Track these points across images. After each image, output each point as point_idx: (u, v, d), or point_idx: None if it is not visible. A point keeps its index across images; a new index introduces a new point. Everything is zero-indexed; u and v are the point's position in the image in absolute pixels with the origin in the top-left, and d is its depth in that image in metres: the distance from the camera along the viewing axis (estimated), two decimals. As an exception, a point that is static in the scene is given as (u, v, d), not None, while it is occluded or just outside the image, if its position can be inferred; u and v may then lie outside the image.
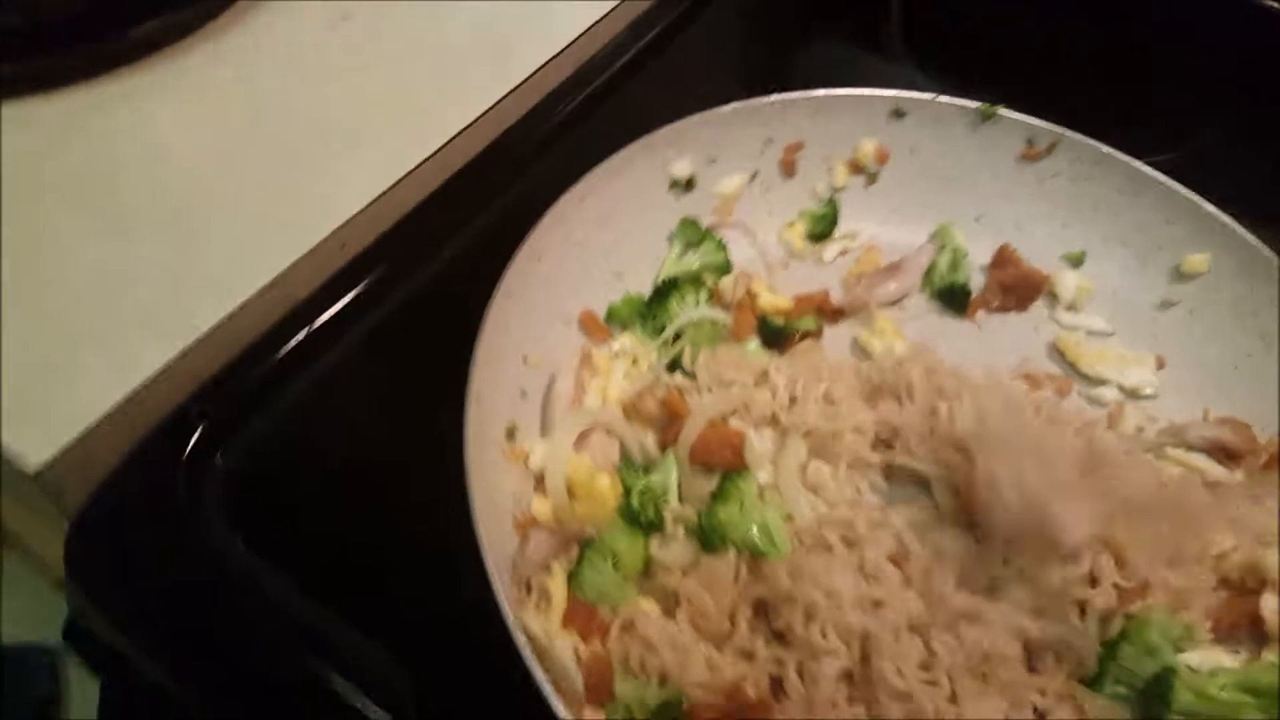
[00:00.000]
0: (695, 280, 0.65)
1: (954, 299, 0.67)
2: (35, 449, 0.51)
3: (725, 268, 0.66)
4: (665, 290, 0.64)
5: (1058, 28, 0.81)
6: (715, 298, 0.66)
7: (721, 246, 0.67)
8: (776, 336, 0.63)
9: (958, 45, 0.81)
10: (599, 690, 0.48)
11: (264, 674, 0.50)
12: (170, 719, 0.52)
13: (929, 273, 0.68)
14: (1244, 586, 0.57)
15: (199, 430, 0.54)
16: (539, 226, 0.60)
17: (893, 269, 0.68)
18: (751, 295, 0.64)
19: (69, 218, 0.60)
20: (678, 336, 0.63)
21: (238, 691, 0.50)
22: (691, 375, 0.61)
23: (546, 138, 0.69)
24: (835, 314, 0.66)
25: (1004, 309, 0.68)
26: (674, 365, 0.62)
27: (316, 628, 0.49)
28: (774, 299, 0.65)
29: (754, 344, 0.64)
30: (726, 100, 0.68)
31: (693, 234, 0.67)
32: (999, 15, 0.84)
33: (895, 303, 0.67)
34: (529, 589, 0.52)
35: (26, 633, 1.20)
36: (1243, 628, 0.56)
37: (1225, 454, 0.61)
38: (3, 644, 1.15)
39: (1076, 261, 0.68)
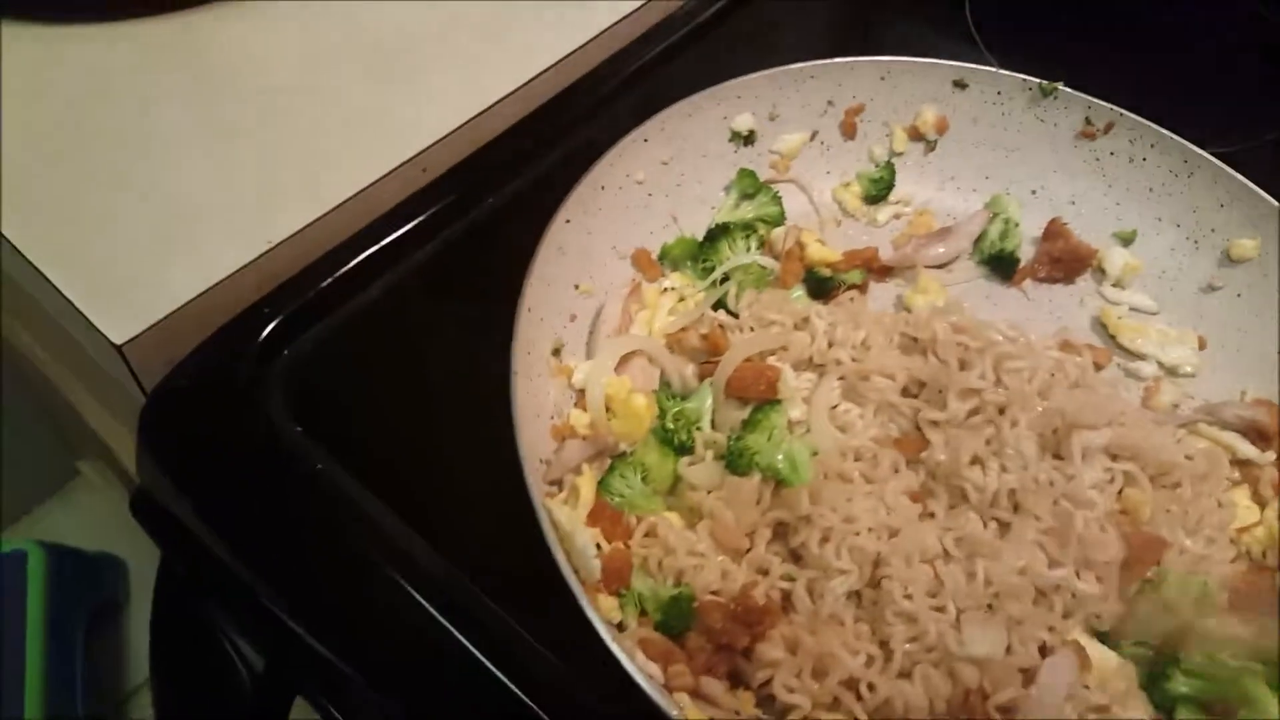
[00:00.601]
0: (748, 228, 0.67)
1: (1002, 266, 0.68)
2: (121, 326, 0.56)
3: (778, 219, 0.69)
4: (717, 234, 0.67)
5: (1125, 13, 0.82)
6: (766, 247, 0.68)
7: (777, 199, 0.69)
8: (822, 287, 0.65)
9: (1022, 25, 0.82)
10: (615, 579, 0.51)
11: (313, 548, 0.54)
12: (224, 588, 0.56)
13: (979, 239, 0.69)
14: (1264, 561, 0.57)
15: (270, 326, 0.59)
16: (602, 160, 0.63)
17: (943, 233, 0.69)
18: (801, 246, 0.67)
19: (173, 125, 0.65)
20: (725, 279, 0.66)
21: (288, 562, 0.54)
22: (735, 315, 0.63)
23: (624, 84, 0.73)
24: (882, 271, 0.68)
25: (1050, 280, 0.69)
26: (719, 305, 0.64)
27: (363, 510, 0.54)
28: (823, 251, 0.67)
29: (799, 292, 0.66)
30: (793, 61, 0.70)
31: (750, 185, 0.69)
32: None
33: (943, 266, 0.69)
34: (559, 485, 0.55)
35: (98, 541, 1.28)
36: (1260, 601, 0.56)
37: (1258, 434, 0.61)
38: (78, 548, 1.22)
39: (1127, 240, 0.69)
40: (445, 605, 0.50)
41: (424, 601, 0.50)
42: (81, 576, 1.22)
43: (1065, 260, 0.68)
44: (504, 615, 0.50)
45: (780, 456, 0.55)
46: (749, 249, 0.67)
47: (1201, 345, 0.65)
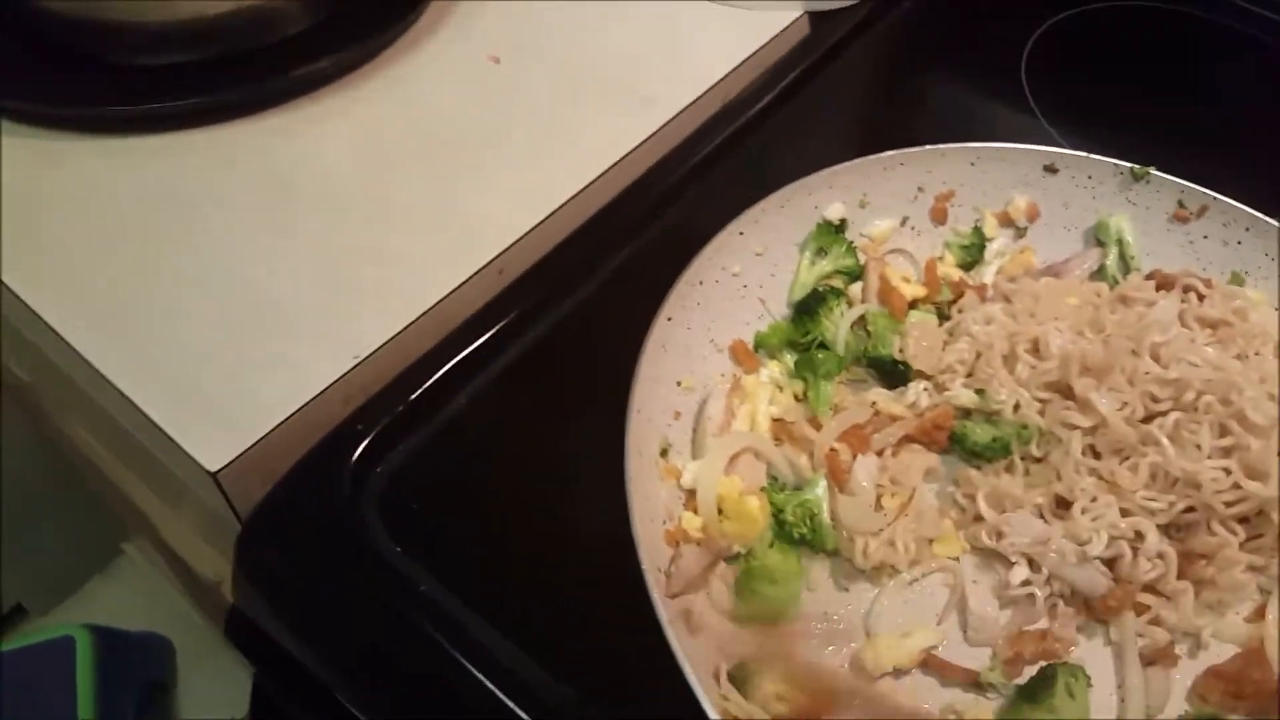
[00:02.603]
0: (835, 292, 0.67)
1: None
2: (214, 452, 0.55)
3: (855, 271, 0.68)
4: (807, 305, 0.66)
5: (1181, 85, 0.82)
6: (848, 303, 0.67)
7: (852, 250, 0.68)
8: (892, 375, 0.64)
9: (1084, 101, 0.83)
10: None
11: (415, 676, 0.53)
12: (322, 708, 0.55)
13: (1100, 274, 0.69)
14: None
15: (363, 443, 0.58)
16: (701, 254, 0.63)
17: (1053, 270, 0.69)
18: (886, 280, 0.67)
19: (245, 236, 0.65)
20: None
21: (389, 685, 0.53)
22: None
23: (688, 176, 0.73)
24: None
25: None
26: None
27: (470, 634, 0.52)
28: (910, 286, 0.67)
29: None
30: (859, 145, 0.70)
31: (825, 239, 0.68)
32: (1125, 72, 0.86)
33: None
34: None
35: (144, 621, 1.27)
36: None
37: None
38: (125, 630, 1.21)
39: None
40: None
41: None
42: (129, 659, 1.20)
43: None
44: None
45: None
46: (843, 311, 0.66)
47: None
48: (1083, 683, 0.53)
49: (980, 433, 0.59)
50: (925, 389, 0.62)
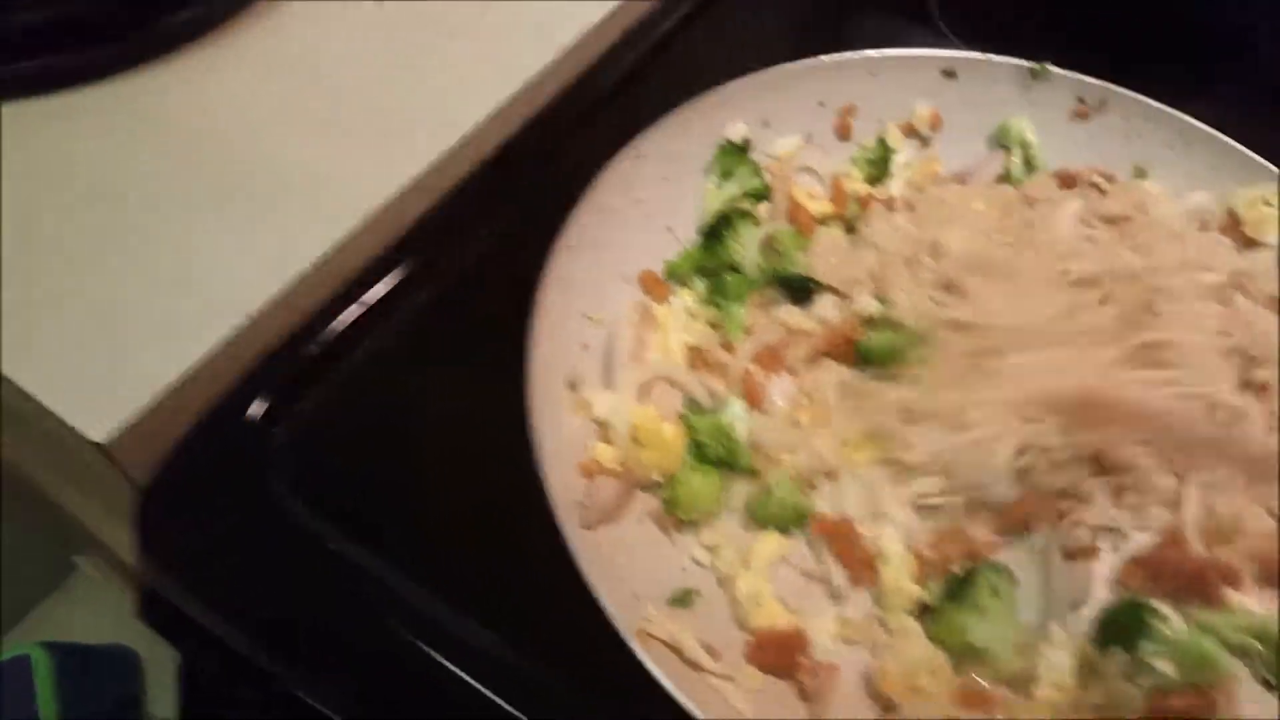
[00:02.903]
0: (744, 215, 0.65)
1: None
2: (99, 422, 0.52)
3: (763, 192, 0.67)
4: (715, 231, 0.64)
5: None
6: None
7: (757, 171, 0.67)
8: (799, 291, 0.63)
9: (980, 3, 0.81)
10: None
11: (338, 633, 0.51)
12: (248, 682, 0.53)
13: (1007, 179, 0.68)
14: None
15: (261, 400, 0.56)
16: (599, 182, 0.61)
17: (959, 178, 0.68)
18: (793, 200, 0.66)
19: (119, 203, 0.61)
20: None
21: (313, 648, 0.51)
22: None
23: (593, 106, 0.71)
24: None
25: None
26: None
27: (384, 583, 0.50)
28: (817, 203, 0.66)
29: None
30: (762, 64, 0.69)
31: (729, 161, 0.67)
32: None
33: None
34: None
35: (107, 635, 1.22)
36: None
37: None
38: (88, 644, 1.17)
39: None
40: (488, 676, 0.47)
41: (465, 675, 0.47)
42: (93, 673, 1.15)
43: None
44: (555, 678, 0.47)
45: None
46: (753, 235, 0.64)
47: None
48: (1007, 581, 0.53)
49: (878, 340, 0.58)
50: (834, 304, 0.61)
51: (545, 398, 0.54)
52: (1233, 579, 0.54)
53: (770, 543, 0.54)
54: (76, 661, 1.13)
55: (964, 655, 0.51)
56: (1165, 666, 0.52)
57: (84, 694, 1.12)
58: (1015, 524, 0.56)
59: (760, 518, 0.55)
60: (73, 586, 1.30)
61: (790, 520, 0.55)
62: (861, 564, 0.53)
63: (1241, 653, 0.53)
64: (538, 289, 0.56)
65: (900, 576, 0.53)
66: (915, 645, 0.51)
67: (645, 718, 0.47)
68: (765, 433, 0.56)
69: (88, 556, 1.27)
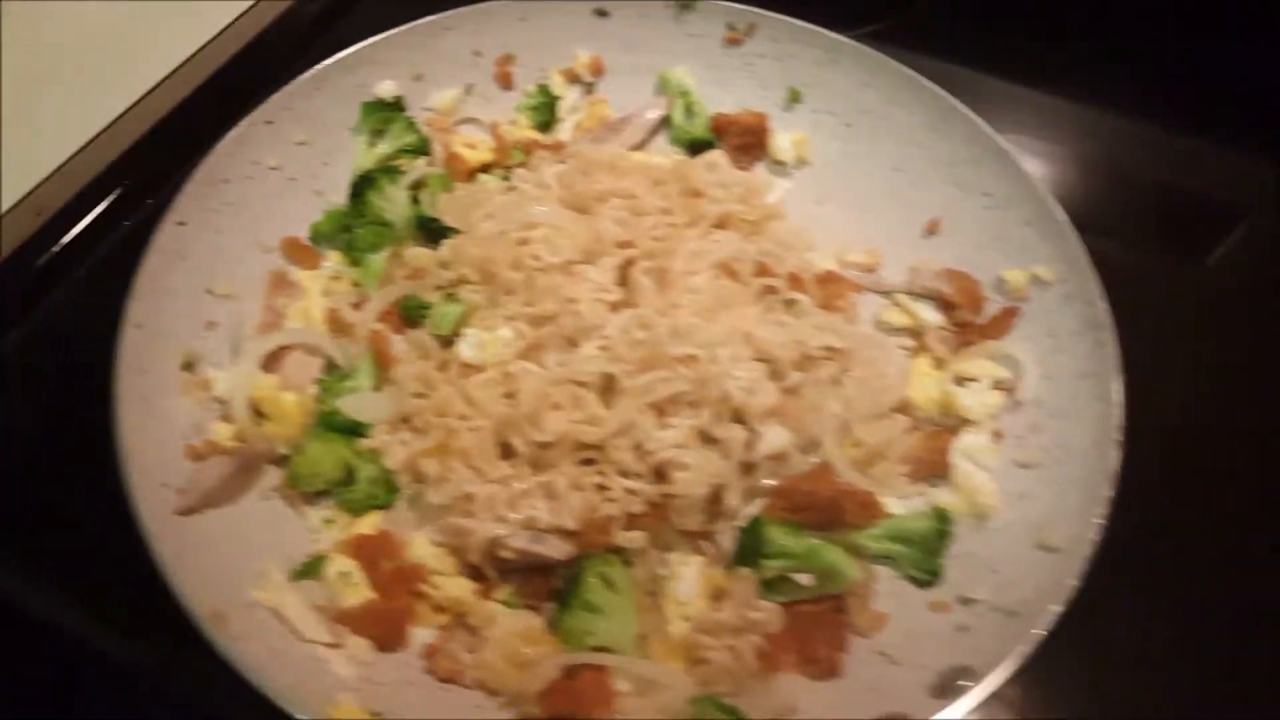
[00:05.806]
0: (389, 171, 0.63)
1: (700, 151, 0.66)
2: None
3: (422, 146, 0.65)
4: (361, 189, 0.62)
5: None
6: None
7: (412, 126, 0.65)
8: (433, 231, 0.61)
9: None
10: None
11: None
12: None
13: (669, 127, 0.68)
14: (938, 426, 0.58)
15: None
16: (215, 152, 0.59)
17: (621, 123, 0.68)
18: (450, 149, 0.65)
19: None
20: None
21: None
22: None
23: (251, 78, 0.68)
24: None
25: (746, 165, 0.67)
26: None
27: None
28: (478, 152, 0.65)
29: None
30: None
31: (377, 120, 0.65)
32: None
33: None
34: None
35: None
36: (937, 467, 0.56)
37: (946, 304, 0.61)
38: None
39: (800, 144, 0.68)
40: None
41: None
42: None
43: (746, 143, 0.67)
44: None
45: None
46: (398, 193, 0.62)
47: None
48: (618, 568, 0.50)
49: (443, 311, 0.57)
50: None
51: (145, 384, 0.52)
52: (870, 506, 0.54)
53: (372, 520, 0.53)
54: None
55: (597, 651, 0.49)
56: (804, 579, 0.52)
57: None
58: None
59: (350, 507, 0.54)
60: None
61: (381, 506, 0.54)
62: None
63: (886, 558, 0.53)
64: (136, 270, 0.54)
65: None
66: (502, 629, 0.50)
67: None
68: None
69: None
